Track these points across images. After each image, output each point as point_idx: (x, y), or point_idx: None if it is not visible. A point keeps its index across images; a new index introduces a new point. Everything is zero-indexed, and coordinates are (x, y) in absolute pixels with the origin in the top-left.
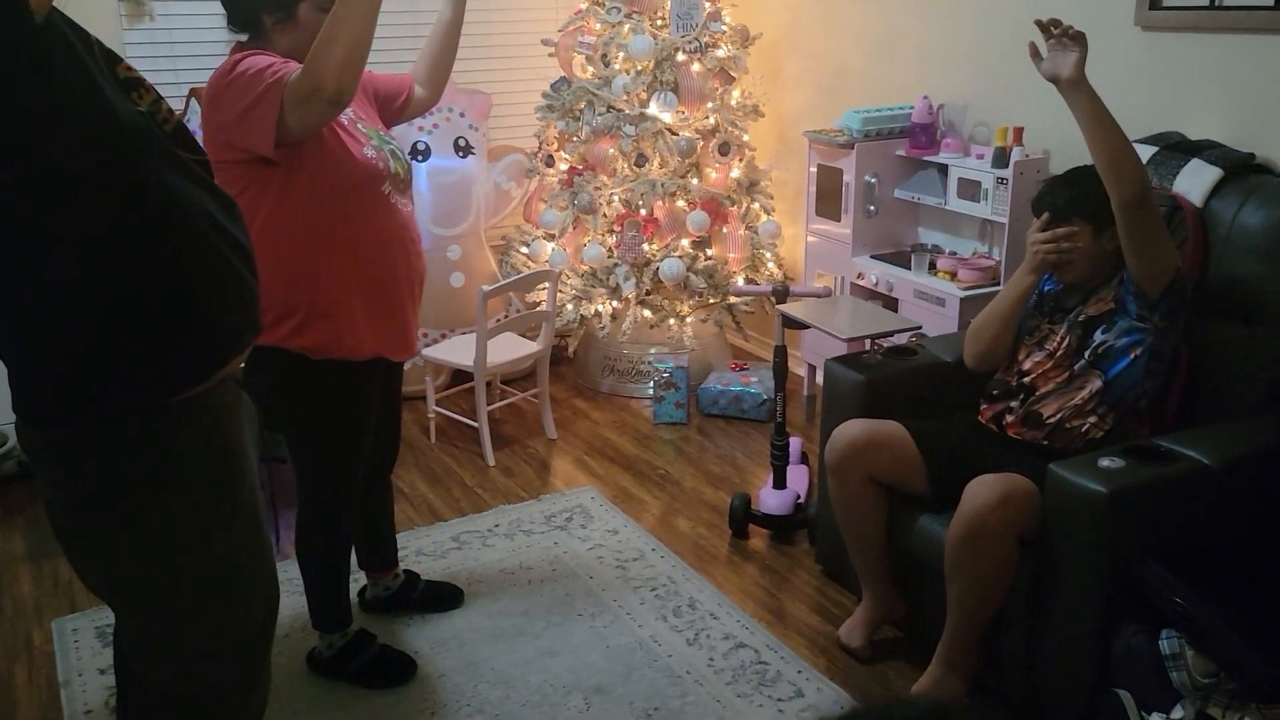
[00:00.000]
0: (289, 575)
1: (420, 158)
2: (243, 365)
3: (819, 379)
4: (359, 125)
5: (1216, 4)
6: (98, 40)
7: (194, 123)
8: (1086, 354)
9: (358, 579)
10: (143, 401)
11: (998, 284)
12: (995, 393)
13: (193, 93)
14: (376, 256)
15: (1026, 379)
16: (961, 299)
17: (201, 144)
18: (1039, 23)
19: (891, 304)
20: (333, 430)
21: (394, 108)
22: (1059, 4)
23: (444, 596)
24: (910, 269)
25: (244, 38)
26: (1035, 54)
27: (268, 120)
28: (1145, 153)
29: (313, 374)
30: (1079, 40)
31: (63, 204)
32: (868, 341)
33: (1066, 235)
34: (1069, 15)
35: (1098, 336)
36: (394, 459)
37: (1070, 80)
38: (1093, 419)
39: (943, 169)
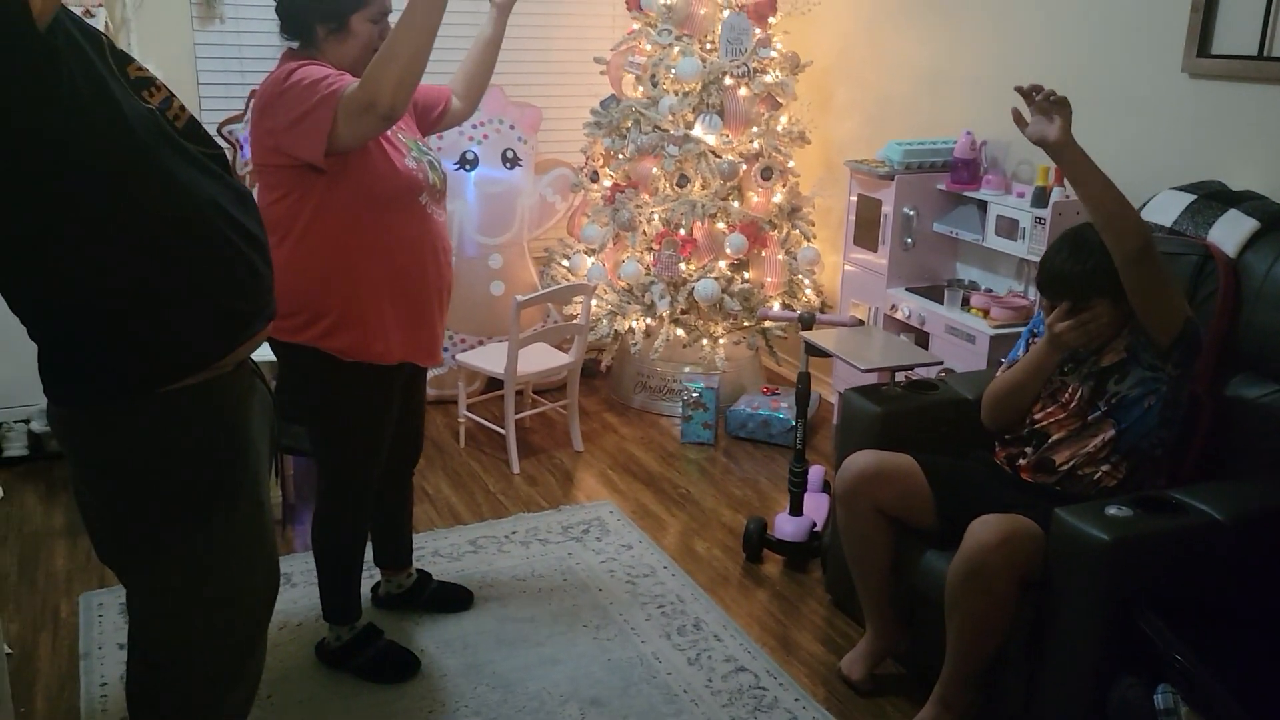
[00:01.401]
0: (307, 566)
1: (468, 167)
2: (258, 353)
3: None
4: (400, 135)
5: (1266, 54)
6: (110, 42)
7: None
8: (1101, 404)
9: (372, 574)
10: (150, 384)
11: (1024, 330)
12: (1008, 436)
13: (253, 94)
14: (409, 265)
15: (1038, 425)
16: (992, 337)
17: (214, 138)
18: (1020, 89)
19: (923, 338)
20: (355, 429)
21: (431, 118)
22: (1109, 51)
23: (454, 598)
24: (943, 304)
25: (295, 45)
26: (1019, 120)
27: (320, 130)
28: (1182, 200)
29: (340, 374)
30: (1062, 104)
31: (72, 194)
32: (894, 373)
33: (1091, 318)
34: (1118, 61)
35: (1111, 387)
36: (415, 459)
37: (1057, 143)
38: (1105, 467)
39: (982, 205)
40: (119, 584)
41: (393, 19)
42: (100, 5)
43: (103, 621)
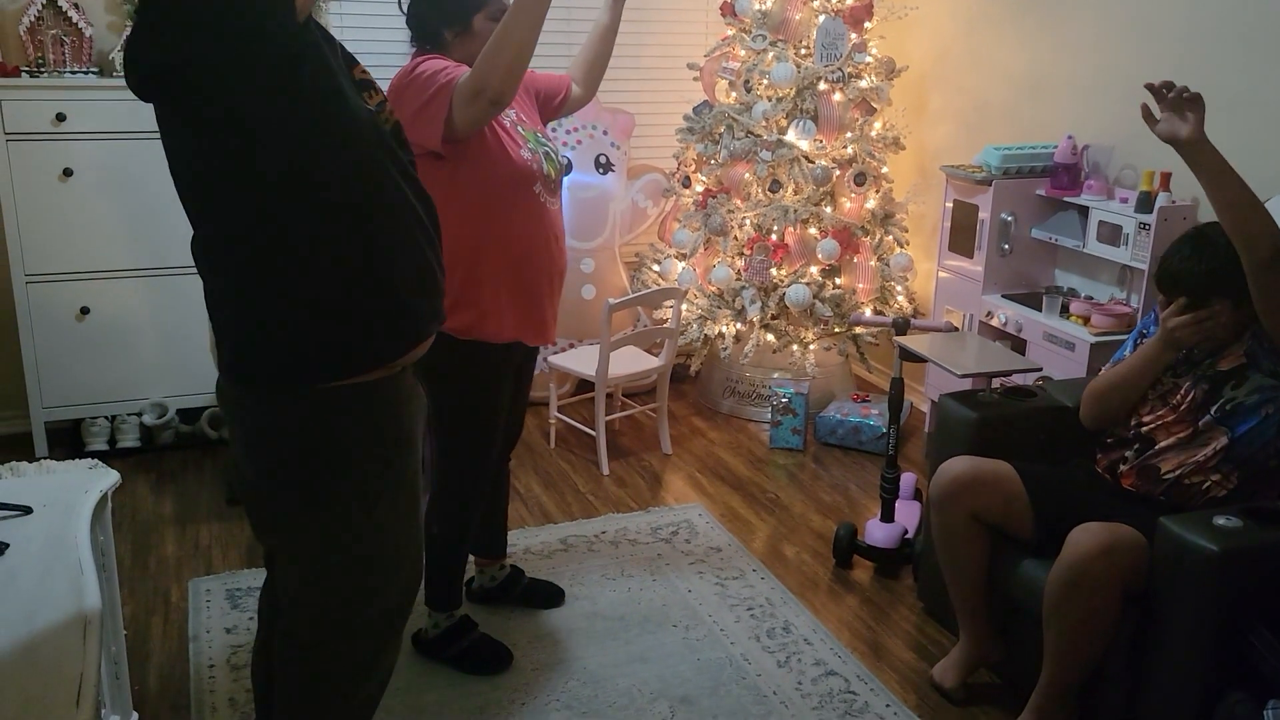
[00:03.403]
0: None
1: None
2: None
3: None
4: (519, 128)
5: None
6: (341, 44)
7: None
8: (1214, 410)
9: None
10: (340, 373)
11: (1132, 331)
12: (1110, 441)
13: None
14: (522, 251)
15: (1144, 429)
16: (1092, 345)
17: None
18: (1150, 86)
19: (1019, 345)
20: (470, 407)
21: (553, 106)
22: (1216, 51)
23: (545, 594)
24: (1041, 311)
25: (426, 47)
26: (1149, 116)
27: (437, 118)
28: None
29: (456, 352)
30: (1196, 101)
31: (300, 184)
32: (991, 380)
33: (1208, 316)
34: (1227, 61)
35: (1227, 393)
36: (514, 443)
37: (1189, 141)
38: (1216, 477)
39: (1083, 211)
40: (225, 571)
41: None
42: None
43: (210, 606)
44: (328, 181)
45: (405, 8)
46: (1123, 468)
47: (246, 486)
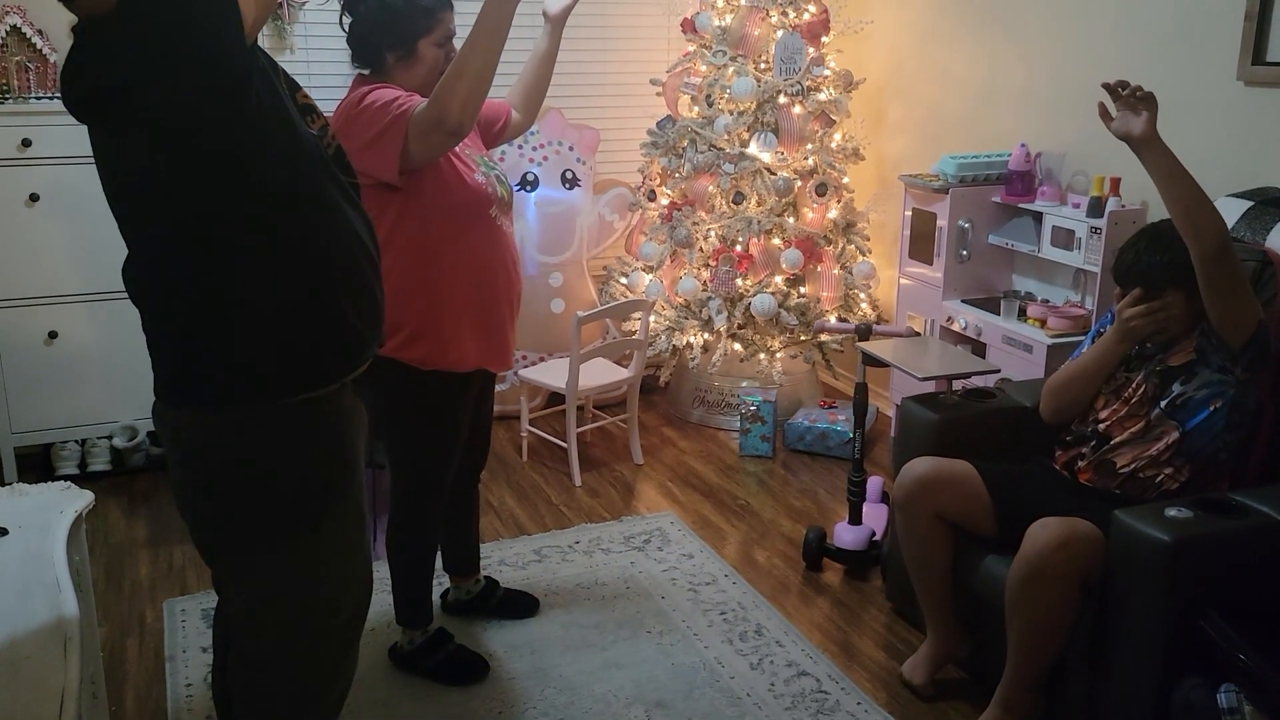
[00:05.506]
0: (380, 575)
1: (529, 188)
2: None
3: None
4: (467, 152)
5: None
6: (284, 70)
7: None
8: (1163, 403)
9: (441, 581)
10: (279, 394)
11: (1088, 333)
12: (1068, 438)
13: None
14: (481, 276)
15: (1101, 425)
16: (1049, 346)
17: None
18: (1107, 85)
19: (979, 349)
20: (430, 437)
21: (494, 132)
22: (1163, 60)
23: (520, 604)
24: (1000, 314)
25: (365, 72)
26: (1105, 115)
27: (392, 149)
28: (1240, 207)
29: (417, 383)
30: (1149, 100)
31: (245, 204)
32: (952, 383)
33: (1161, 307)
34: (1172, 69)
35: (1176, 388)
36: (481, 467)
37: (1142, 138)
38: (1168, 470)
39: (1037, 216)
40: (200, 591)
41: (457, 42)
42: None
43: (185, 627)
44: (272, 202)
45: (347, 27)
46: (1080, 464)
47: (189, 512)
